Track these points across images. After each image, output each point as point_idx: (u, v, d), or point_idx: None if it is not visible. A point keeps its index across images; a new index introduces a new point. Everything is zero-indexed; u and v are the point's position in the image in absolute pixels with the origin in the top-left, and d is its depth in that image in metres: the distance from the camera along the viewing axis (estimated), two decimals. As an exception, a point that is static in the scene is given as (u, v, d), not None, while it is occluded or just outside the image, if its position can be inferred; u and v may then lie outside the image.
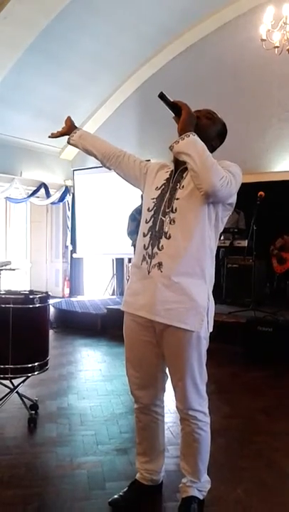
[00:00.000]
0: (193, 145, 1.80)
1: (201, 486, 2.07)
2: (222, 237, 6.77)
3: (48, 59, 6.55)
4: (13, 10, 5.23)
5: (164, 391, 2.15)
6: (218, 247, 6.91)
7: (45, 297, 3.21)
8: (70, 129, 2.29)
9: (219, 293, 6.56)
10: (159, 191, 1.99)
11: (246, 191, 6.04)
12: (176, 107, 1.89)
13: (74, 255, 8.71)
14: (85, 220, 8.29)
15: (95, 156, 2.21)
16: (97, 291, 8.57)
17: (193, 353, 1.93)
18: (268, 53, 5.30)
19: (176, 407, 2.03)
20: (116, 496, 2.15)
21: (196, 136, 1.83)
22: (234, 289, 6.28)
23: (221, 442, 2.84)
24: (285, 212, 6.16)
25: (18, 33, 5.68)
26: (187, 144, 1.81)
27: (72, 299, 8.19)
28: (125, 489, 2.18)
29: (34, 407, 3.26)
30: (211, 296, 1.99)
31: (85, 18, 6.17)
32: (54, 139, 2.36)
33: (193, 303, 1.88)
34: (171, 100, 1.90)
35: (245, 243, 6.21)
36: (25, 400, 3.23)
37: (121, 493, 2.16)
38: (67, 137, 2.28)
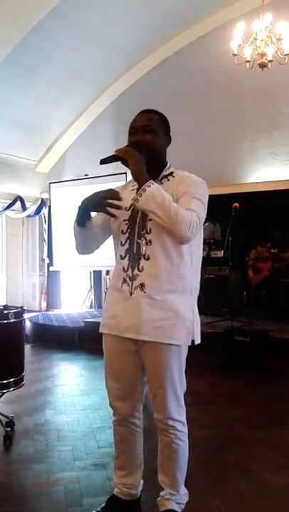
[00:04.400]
0: (152, 200, 1.78)
1: (180, 499, 2.05)
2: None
3: (23, 71, 6.56)
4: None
5: (142, 402, 2.14)
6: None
7: (20, 312, 3.18)
8: None
9: (197, 303, 6.59)
10: (130, 212, 1.96)
11: (222, 202, 6.21)
12: (120, 159, 1.88)
13: (51, 268, 8.64)
14: (62, 232, 8.25)
15: (85, 245, 2.14)
16: (74, 304, 8.51)
17: (175, 363, 1.94)
18: (239, 67, 5.42)
19: (155, 417, 2.01)
20: None
21: (151, 186, 1.80)
22: (211, 299, 6.32)
23: (198, 453, 2.83)
24: (259, 223, 6.25)
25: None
26: (147, 201, 1.79)
27: (49, 312, 8.11)
28: (103, 505, 2.14)
29: (10, 424, 3.20)
30: (196, 309, 2.01)
31: (62, 30, 6.21)
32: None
33: (179, 318, 1.90)
34: (113, 155, 1.89)
35: (221, 254, 6.28)
36: (0, 417, 3.18)
37: (98, 509, 2.12)
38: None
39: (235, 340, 4.82)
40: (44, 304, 8.74)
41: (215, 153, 7.09)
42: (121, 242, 1.99)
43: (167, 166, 2.02)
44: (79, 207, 1.96)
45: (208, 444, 3.00)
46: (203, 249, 6.63)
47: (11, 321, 3.07)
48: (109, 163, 1.92)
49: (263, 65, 5.29)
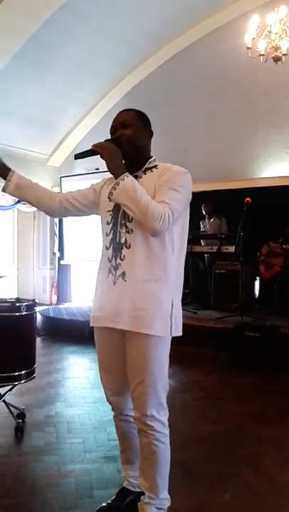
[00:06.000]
0: (124, 193, 1.79)
1: (160, 504, 1.97)
2: (208, 243, 6.82)
3: (35, 66, 6.55)
4: (0, 17, 5.23)
5: None
6: (206, 253, 6.99)
7: (32, 305, 3.20)
8: (0, 167, 2.07)
9: (207, 299, 6.60)
10: (114, 203, 1.93)
11: (233, 197, 6.19)
12: (96, 153, 1.88)
13: (61, 262, 8.67)
14: (73, 226, 8.27)
15: (35, 206, 2.15)
16: (84, 298, 8.53)
17: (155, 355, 1.90)
18: (253, 61, 5.37)
19: (134, 416, 1.97)
20: (104, 504, 2.13)
21: (125, 178, 1.81)
22: (222, 295, 6.31)
23: (208, 448, 2.86)
24: (271, 218, 6.21)
25: (5, 40, 5.68)
26: (120, 194, 1.80)
27: (59, 306, 8.15)
28: (113, 497, 2.16)
29: (21, 415, 3.23)
30: (176, 300, 1.97)
31: (73, 25, 6.20)
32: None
33: (157, 309, 1.88)
34: (89, 149, 1.90)
35: (232, 249, 6.26)
36: (12, 408, 3.21)
37: (109, 501, 2.14)
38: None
39: (245, 335, 4.80)
40: (55, 298, 8.78)
41: (227, 148, 7.05)
42: (106, 233, 2.00)
43: (151, 159, 2.01)
44: None
45: (218, 439, 3.00)
46: (215, 245, 6.58)
47: (23, 313, 3.09)
48: (85, 157, 1.94)
49: (277, 59, 5.24)
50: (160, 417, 1.93)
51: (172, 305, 1.93)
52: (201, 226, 7.21)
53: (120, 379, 2.04)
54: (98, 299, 2.02)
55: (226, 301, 6.19)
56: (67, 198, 2.12)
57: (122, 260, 1.91)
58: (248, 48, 5.22)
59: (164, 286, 1.91)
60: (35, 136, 7.81)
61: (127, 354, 1.96)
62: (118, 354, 2.00)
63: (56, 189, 8.62)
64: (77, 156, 1.96)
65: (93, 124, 8.34)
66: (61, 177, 8.43)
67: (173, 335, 1.94)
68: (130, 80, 7.84)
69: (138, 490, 2.15)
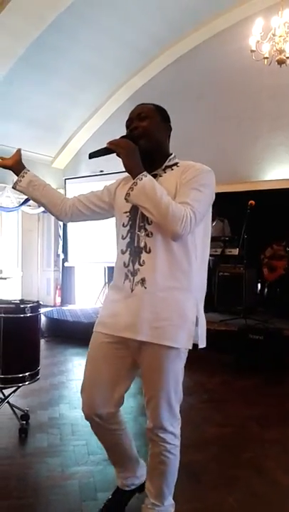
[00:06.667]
0: (143, 194, 1.67)
1: (164, 510, 1.94)
2: (211, 246, 6.81)
3: (40, 69, 6.59)
4: (4, 21, 5.27)
5: (117, 411, 1.98)
6: (209, 256, 6.98)
7: (37, 306, 3.21)
8: (15, 164, 2.00)
9: (211, 301, 6.58)
10: (130, 203, 1.81)
11: (237, 200, 6.18)
12: (112, 151, 1.77)
13: (65, 264, 8.69)
14: (77, 228, 8.28)
15: (46, 208, 2.06)
16: (88, 299, 8.55)
17: (172, 370, 1.80)
18: (257, 64, 5.38)
19: (147, 426, 1.89)
20: (101, 507, 2.10)
21: (143, 178, 1.69)
22: (225, 297, 6.30)
23: (213, 451, 2.85)
24: (275, 220, 6.21)
25: (9, 44, 5.72)
26: (138, 195, 1.68)
27: (63, 307, 8.16)
28: (109, 497, 2.14)
29: (25, 417, 3.24)
30: (202, 309, 1.87)
31: (77, 28, 6.23)
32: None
33: (181, 319, 1.77)
34: (104, 147, 1.78)
35: (236, 251, 6.26)
36: (16, 410, 3.22)
37: (106, 502, 2.12)
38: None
39: (249, 338, 4.80)
40: (58, 299, 8.79)
41: (231, 151, 7.06)
42: (122, 236, 1.87)
43: (171, 156, 1.88)
44: None
45: (222, 442, 3.00)
46: (219, 247, 6.57)
47: (28, 315, 3.10)
48: (100, 156, 1.82)
49: (281, 62, 5.25)
50: (173, 429, 1.87)
51: (197, 315, 1.82)
52: None
53: (106, 388, 1.90)
54: (111, 304, 1.89)
55: (230, 304, 6.18)
56: (80, 199, 2.02)
57: (141, 266, 1.78)
58: (252, 51, 5.23)
59: (188, 294, 1.79)
60: (40, 138, 7.84)
61: (141, 365, 1.85)
62: (114, 367, 1.88)
63: (61, 191, 8.65)
64: (92, 155, 1.83)
65: (97, 127, 8.38)
66: (65, 179, 8.45)
67: (200, 347, 1.84)
68: (134, 82, 7.88)
69: (132, 488, 2.12)
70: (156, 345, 1.76)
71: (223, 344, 5.01)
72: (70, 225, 8.46)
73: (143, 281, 1.77)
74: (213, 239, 6.85)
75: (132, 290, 1.79)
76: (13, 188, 2.03)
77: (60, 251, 8.79)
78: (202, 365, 4.80)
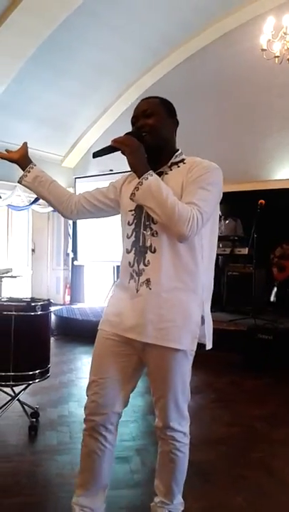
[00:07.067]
0: (149, 194, 1.63)
1: (174, 508, 1.93)
2: (220, 245, 6.80)
3: (50, 68, 6.62)
4: (16, 20, 5.29)
5: (120, 417, 1.93)
6: (218, 255, 6.97)
7: (47, 304, 3.22)
8: (21, 158, 1.99)
9: (219, 301, 6.58)
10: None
11: (247, 199, 6.16)
12: (116, 149, 1.72)
13: (75, 262, 8.73)
14: (86, 227, 8.31)
15: (52, 205, 2.02)
16: (97, 298, 8.57)
17: (179, 371, 1.78)
18: (268, 63, 5.35)
19: (155, 424, 1.89)
20: None
21: (149, 177, 1.65)
22: (234, 297, 6.29)
23: (221, 450, 2.86)
24: (285, 220, 6.18)
25: (20, 43, 5.75)
26: (143, 195, 1.64)
27: (72, 306, 8.20)
28: None
29: (35, 414, 3.26)
30: (208, 310, 1.84)
31: (87, 27, 6.24)
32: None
33: (185, 320, 1.74)
34: (108, 146, 1.74)
35: (245, 251, 6.25)
36: (26, 407, 3.23)
37: None
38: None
39: (258, 338, 4.79)
40: (68, 298, 8.84)
41: (241, 150, 7.03)
42: (127, 235, 1.84)
43: (178, 153, 1.83)
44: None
45: (231, 442, 3.00)
46: (228, 246, 6.54)
47: (38, 313, 3.11)
48: (104, 155, 1.78)
49: (292, 60, 5.22)
50: (181, 428, 1.86)
51: (203, 316, 1.80)
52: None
53: (112, 394, 1.86)
54: (117, 302, 1.87)
55: (239, 304, 6.17)
56: (85, 197, 1.99)
57: (146, 266, 1.75)
58: (262, 50, 5.21)
59: (193, 295, 1.76)
60: (50, 137, 7.87)
61: (148, 366, 1.84)
62: (120, 367, 1.85)
63: (70, 190, 8.67)
64: (96, 154, 1.79)
65: (108, 126, 8.39)
66: (75, 178, 8.48)
67: (208, 348, 1.83)
68: (145, 81, 7.88)
69: None
70: (161, 346, 1.74)
71: (232, 344, 5.01)
72: (79, 223, 8.49)
73: (148, 281, 1.74)
74: (223, 238, 6.84)
75: (138, 291, 1.76)
76: (18, 182, 2.00)
77: (69, 250, 8.83)
78: (211, 365, 4.80)
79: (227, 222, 7.03)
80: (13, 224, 8.30)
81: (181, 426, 1.86)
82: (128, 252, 1.83)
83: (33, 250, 8.86)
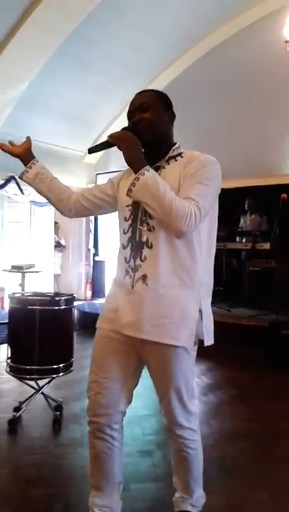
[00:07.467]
0: (145, 190, 1.60)
1: (195, 502, 1.94)
2: (244, 240, 6.76)
3: (73, 63, 6.65)
4: (40, 15, 5.34)
5: (124, 414, 1.93)
6: (240, 250, 6.92)
7: (71, 299, 3.26)
8: (24, 152, 1.95)
9: (241, 296, 6.55)
10: None
11: (269, 193, 6.10)
12: (113, 145, 1.72)
13: (96, 258, 8.78)
14: (108, 223, 8.34)
15: (51, 203, 2.01)
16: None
17: (180, 368, 1.75)
18: (287, 55, 5.27)
19: (164, 423, 1.88)
20: None
21: (146, 173, 1.61)
22: (256, 292, 6.25)
23: (244, 446, 2.85)
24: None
25: (44, 38, 5.79)
26: (140, 191, 1.61)
27: (94, 301, 8.26)
28: None
29: (59, 408, 3.31)
30: (206, 306, 1.80)
31: (110, 22, 6.26)
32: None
33: (183, 316, 1.70)
34: (105, 141, 1.74)
35: (267, 246, 6.19)
36: (50, 400, 3.29)
37: None
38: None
39: (281, 334, 4.75)
40: (89, 293, 8.90)
41: (262, 144, 6.95)
42: (124, 230, 1.81)
43: (175, 146, 1.79)
44: None
45: (253, 437, 3.00)
46: (249, 241, 6.46)
47: (62, 307, 3.15)
48: (100, 150, 1.77)
49: (315, 53, 5.14)
50: (189, 425, 1.83)
51: (201, 312, 1.75)
52: (242, 222, 7.08)
53: (114, 393, 1.85)
54: (112, 300, 1.83)
55: (260, 299, 6.12)
56: (84, 195, 1.97)
57: (142, 261, 1.72)
58: (286, 42, 5.15)
59: (190, 290, 1.72)
60: (72, 133, 7.91)
61: (147, 364, 1.82)
62: (121, 364, 1.83)
63: (92, 186, 8.73)
64: (92, 150, 1.78)
65: (129, 120, 8.39)
66: (97, 174, 8.50)
67: (206, 344, 1.78)
68: (166, 75, 7.86)
69: None
70: (159, 343, 1.71)
71: (252, 339, 4.99)
72: (100, 219, 8.53)
73: (144, 277, 1.71)
74: (245, 233, 6.80)
75: (133, 287, 1.73)
76: (19, 178, 1.97)
77: (91, 245, 8.88)
78: (231, 360, 4.79)
79: (252, 217, 6.96)
80: (35, 220, 8.40)
81: (189, 422, 1.83)
82: (124, 247, 1.80)
83: (64, 246, 8.94)
